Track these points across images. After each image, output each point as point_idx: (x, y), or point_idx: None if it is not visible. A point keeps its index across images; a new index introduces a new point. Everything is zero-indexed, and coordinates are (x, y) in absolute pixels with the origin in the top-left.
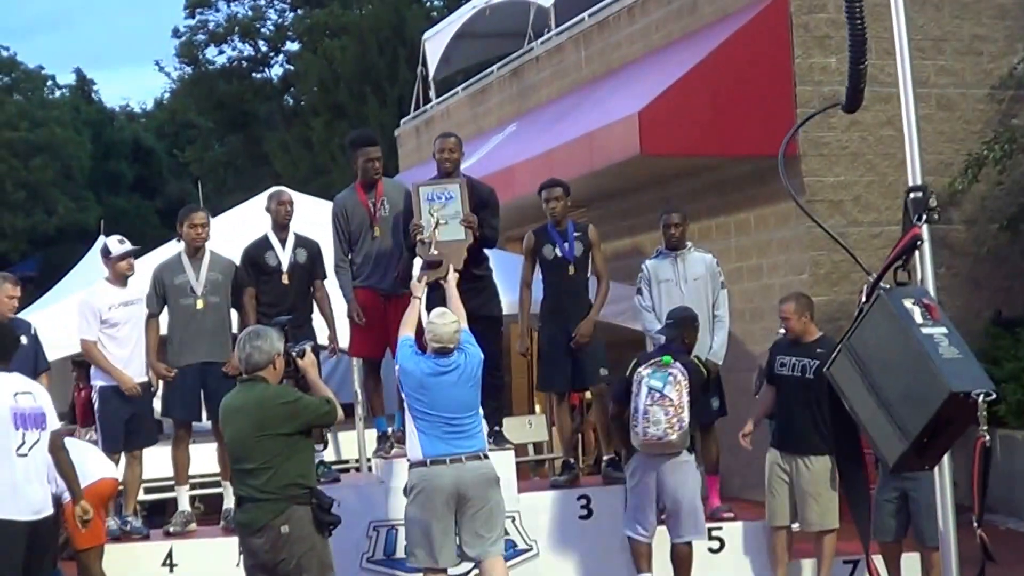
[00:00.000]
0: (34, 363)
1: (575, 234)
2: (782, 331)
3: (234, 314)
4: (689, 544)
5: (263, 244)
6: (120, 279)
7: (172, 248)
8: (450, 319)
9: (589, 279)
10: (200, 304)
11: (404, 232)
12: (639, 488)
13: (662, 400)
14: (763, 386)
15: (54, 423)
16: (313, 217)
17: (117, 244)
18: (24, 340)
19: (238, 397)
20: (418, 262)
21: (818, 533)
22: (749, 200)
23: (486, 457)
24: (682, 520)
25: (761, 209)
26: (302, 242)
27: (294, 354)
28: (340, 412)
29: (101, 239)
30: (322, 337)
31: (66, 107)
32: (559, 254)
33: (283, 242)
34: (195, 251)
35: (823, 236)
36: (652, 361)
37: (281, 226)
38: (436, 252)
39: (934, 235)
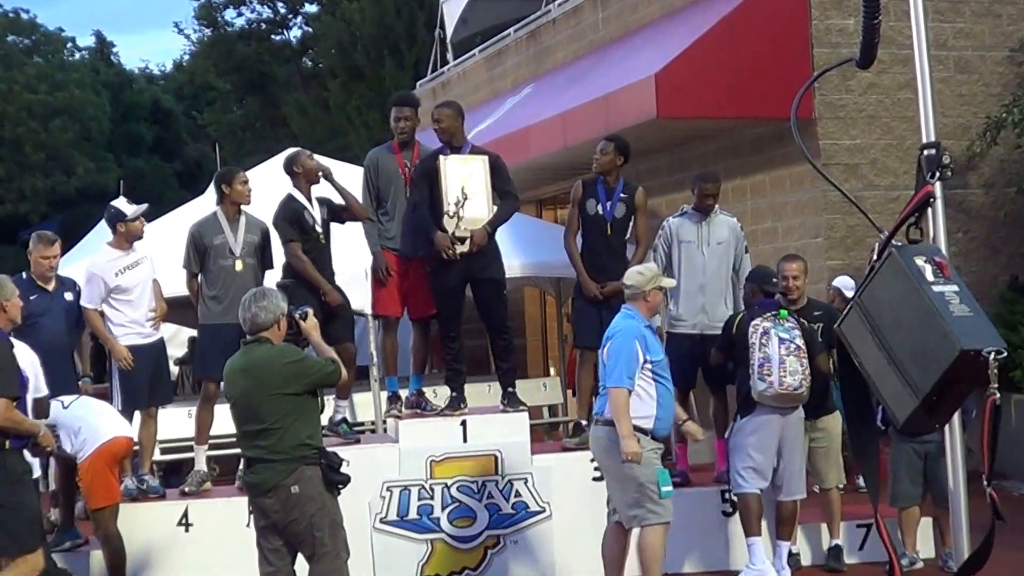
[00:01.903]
0: (78, 319)
1: (621, 195)
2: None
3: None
4: (796, 503)
5: (300, 203)
6: (130, 241)
7: (192, 209)
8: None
9: (627, 242)
10: (239, 265)
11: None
12: (762, 443)
13: (798, 352)
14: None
15: (38, 389)
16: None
17: (128, 205)
18: (70, 296)
19: (243, 358)
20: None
21: (825, 491)
22: (765, 163)
23: None
24: (795, 477)
25: (777, 172)
26: (319, 201)
27: (296, 316)
28: (344, 373)
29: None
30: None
31: (86, 69)
32: (599, 211)
33: (310, 201)
34: (235, 212)
35: (838, 199)
36: (769, 314)
37: (306, 188)
38: (463, 227)
39: (951, 199)
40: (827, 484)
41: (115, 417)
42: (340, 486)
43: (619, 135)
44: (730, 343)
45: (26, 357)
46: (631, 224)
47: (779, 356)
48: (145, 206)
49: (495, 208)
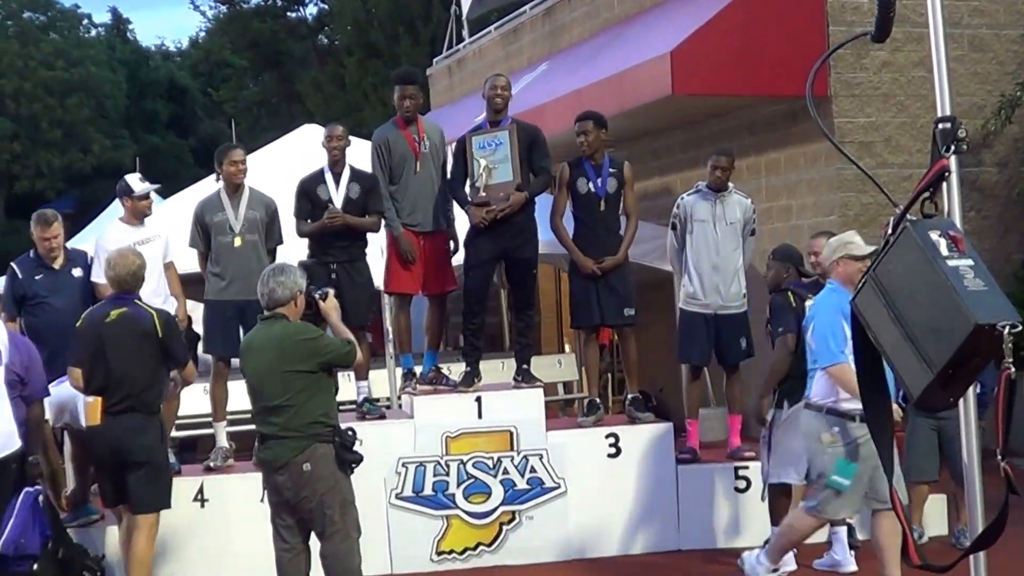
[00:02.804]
0: (91, 294)
1: (610, 170)
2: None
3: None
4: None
5: (318, 177)
6: (138, 218)
7: (207, 186)
8: None
9: (620, 217)
10: (238, 242)
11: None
12: None
13: None
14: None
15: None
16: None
17: (138, 182)
18: (79, 272)
19: (259, 334)
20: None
21: None
22: (779, 140)
23: None
24: None
25: (791, 149)
26: (357, 176)
27: (316, 296)
28: (359, 354)
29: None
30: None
31: (102, 46)
32: (591, 189)
33: (337, 177)
34: (235, 189)
35: (853, 177)
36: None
37: (332, 162)
38: (484, 194)
39: (965, 178)
40: None
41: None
42: (353, 465)
43: (589, 110)
44: (797, 321)
45: None
46: (622, 198)
47: None
48: (156, 186)
49: (520, 171)
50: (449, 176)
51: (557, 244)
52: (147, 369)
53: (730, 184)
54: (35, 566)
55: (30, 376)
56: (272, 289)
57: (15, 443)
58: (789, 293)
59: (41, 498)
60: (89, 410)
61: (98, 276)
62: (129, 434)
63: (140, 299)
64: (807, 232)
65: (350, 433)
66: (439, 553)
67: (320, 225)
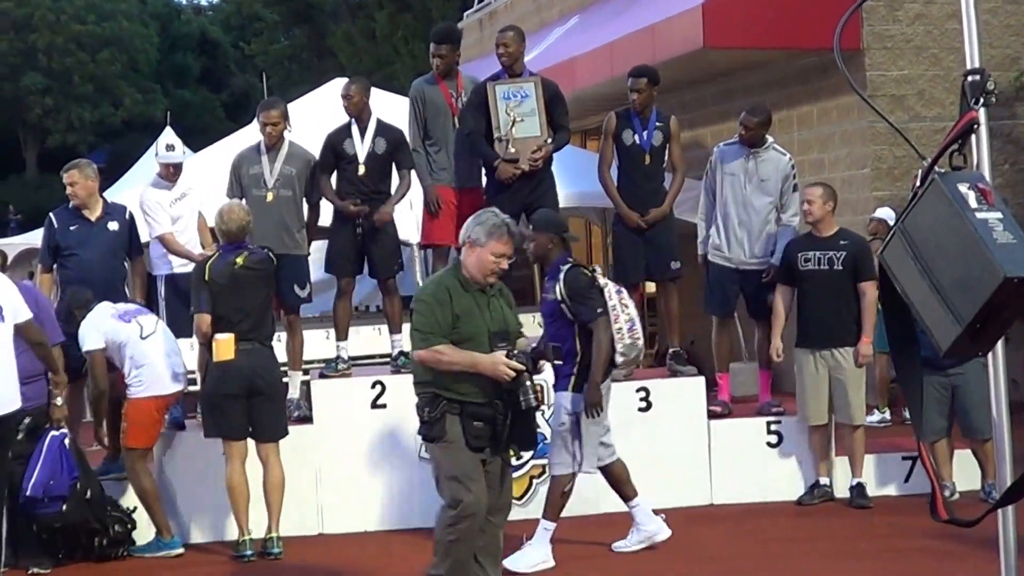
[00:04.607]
0: (128, 247)
1: (656, 123)
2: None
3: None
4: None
5: (344, 131)
6: (171, 178)
7: (238, 139)
8: None
9: (665, 171)
10: (270, 197)
11: (464, 121)
12: None
13: None
14: (775, 292)
15: (17, 315)
16: (376, 109)
17: (164, 150)
18: (115, 226)
19: None
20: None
21: (852, 427)
22: (812, 93)
23: None
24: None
25: (823, 103)
26: (383, 131)
27: None
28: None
29: (167, 131)
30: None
31: (133, 0)
32: (636, 141)
33: (363, 131)
34: (274, 142)
35: (886, 130)
36: None
37: (354, 117)
38: (513, 150)
39: (999, 130)
40: (852, 421)
41: (180, 367)
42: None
43: (644, 66)
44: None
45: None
46: (667, 152)
47: None
48: (180, 159)
49: (547, 127)
50: (468, 130)
51: (588, 197)
52: (268, 305)
53: (769, 139)
54: (64, 507)
55: (42, 323)
56: None
57: (15, 403)
58: (582, 270)
59: (67, 440)
60: (221, 347)
61: (157, 229)
62: (260, 366)
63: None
64: (840, 186)
65: None
66: None
67: (343, 207)
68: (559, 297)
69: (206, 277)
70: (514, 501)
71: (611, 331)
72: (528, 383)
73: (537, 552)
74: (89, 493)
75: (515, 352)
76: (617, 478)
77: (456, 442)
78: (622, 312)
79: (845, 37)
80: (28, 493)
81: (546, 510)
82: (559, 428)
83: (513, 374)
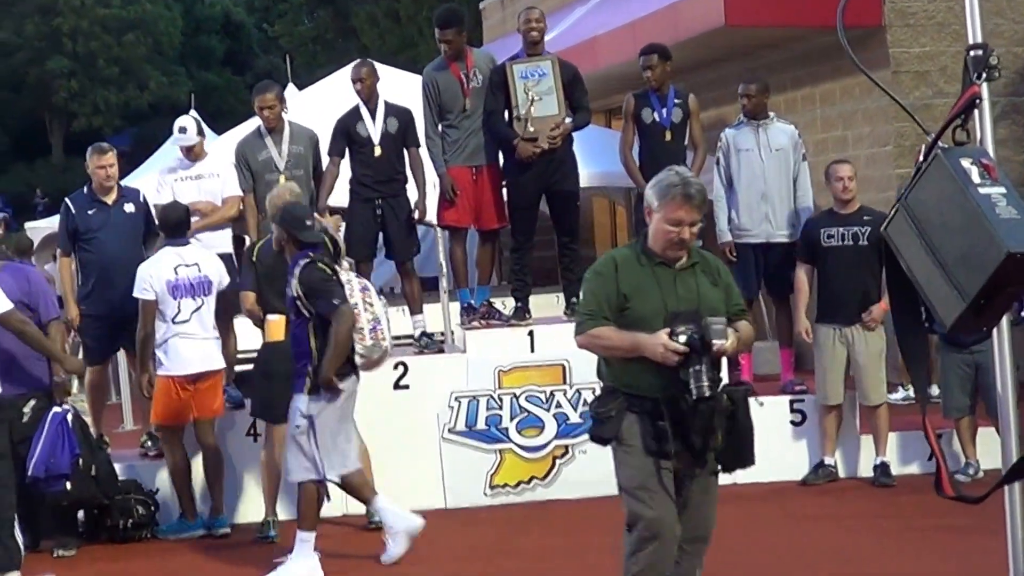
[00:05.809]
0: (144, 230)
1: (675, 101)
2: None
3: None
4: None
5: (354, 115)
6: (190, 158)
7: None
8: None
9: (687, 148)
10: (283, 180)
11: (486, 106)
12: None
13: None
14: (797, 269)
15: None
16: (401, 91)
17: (177, 132)
18: (131, 208)
19: None
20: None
21: (874, 408)
22: (835, 71)
23: None
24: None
25: (846, 80)
26: (392, 111)
27: None
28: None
29: (185, 116)
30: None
31: None
32: (656, 119)
33: (373, 113)
34: (274, 126)
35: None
36: None
37: (364, 100)
38: (532, 129)
39: (1014, 106)
40: (870, 403)
41: (215, 349)
42: None
43: (653, 44)
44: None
45: (209, 264)
46: (688, 129)
47: None
48: (189, 144)
49: (565, 105)
50: (487, 110)
51: (613, 177)
52: None
53: (771, 113)
54: (68, 484)
55: (35, 301)
56: None
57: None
58: (320, 265)
59: (70, 417)
60: (273, 327)
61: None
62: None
63: None
64: (863, 163)
65: None
66: (492, 487)
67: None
68: (295, 293)
69: (254, 258)
70: (537, 480)
71: (350, 324)
72: (698, 367)
73: (300, 566)
74: (94, 469)
75: (680, 330)
76: (355, 487)
77: (633, 445)
78: (364, 311)
79: (867, 14)
80: (31, 473)
81: (300, 521)
82: (295, 432)
83: (677, 357)
